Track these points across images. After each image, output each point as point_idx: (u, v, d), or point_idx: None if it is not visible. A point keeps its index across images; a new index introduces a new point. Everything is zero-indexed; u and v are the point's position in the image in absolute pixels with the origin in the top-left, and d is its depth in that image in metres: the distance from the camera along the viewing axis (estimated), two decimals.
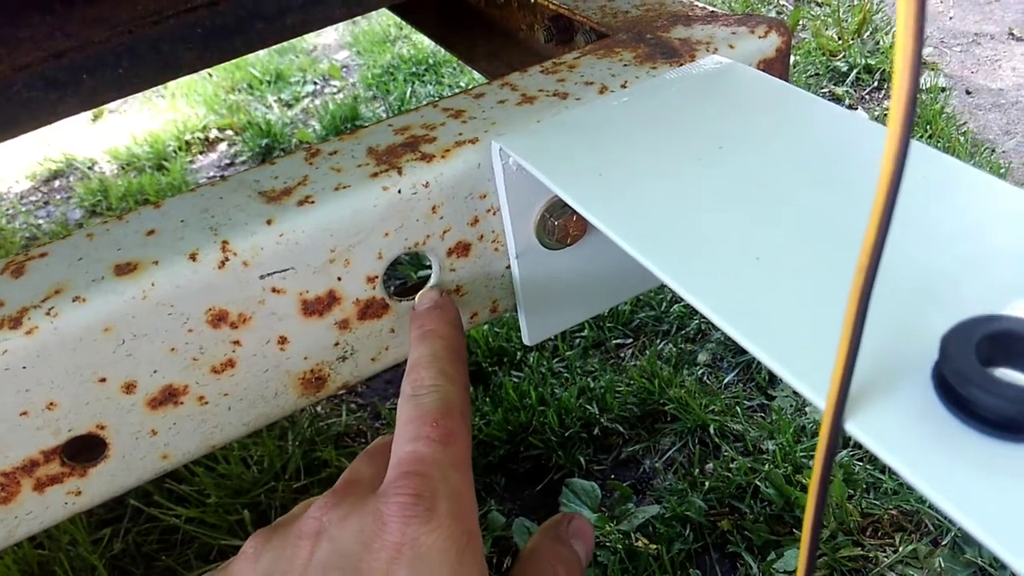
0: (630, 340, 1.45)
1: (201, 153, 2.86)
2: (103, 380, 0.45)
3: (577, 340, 1.46)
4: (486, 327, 1.50)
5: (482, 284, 0.58)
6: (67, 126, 3.17)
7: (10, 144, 3.01)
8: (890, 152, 0.23)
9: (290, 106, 3.02)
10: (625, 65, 0.60)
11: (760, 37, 0.62)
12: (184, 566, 1.18)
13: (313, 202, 0.49)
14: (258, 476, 1.27)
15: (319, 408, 1.49)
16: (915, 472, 0.26)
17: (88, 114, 3.30)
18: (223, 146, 2.87)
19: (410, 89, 2.81)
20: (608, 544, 1.09)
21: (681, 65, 0.59)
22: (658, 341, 1.43)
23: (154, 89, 3.39)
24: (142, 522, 1.25)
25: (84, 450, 0.47)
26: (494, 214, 0.55)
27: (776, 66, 0.63)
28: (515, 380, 1.37)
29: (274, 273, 0.48)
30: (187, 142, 2.87)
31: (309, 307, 0.51)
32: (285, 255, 0.48)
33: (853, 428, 0.28)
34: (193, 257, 0.46)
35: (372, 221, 0.50)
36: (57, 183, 2.93)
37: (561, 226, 0.55)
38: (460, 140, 0.52)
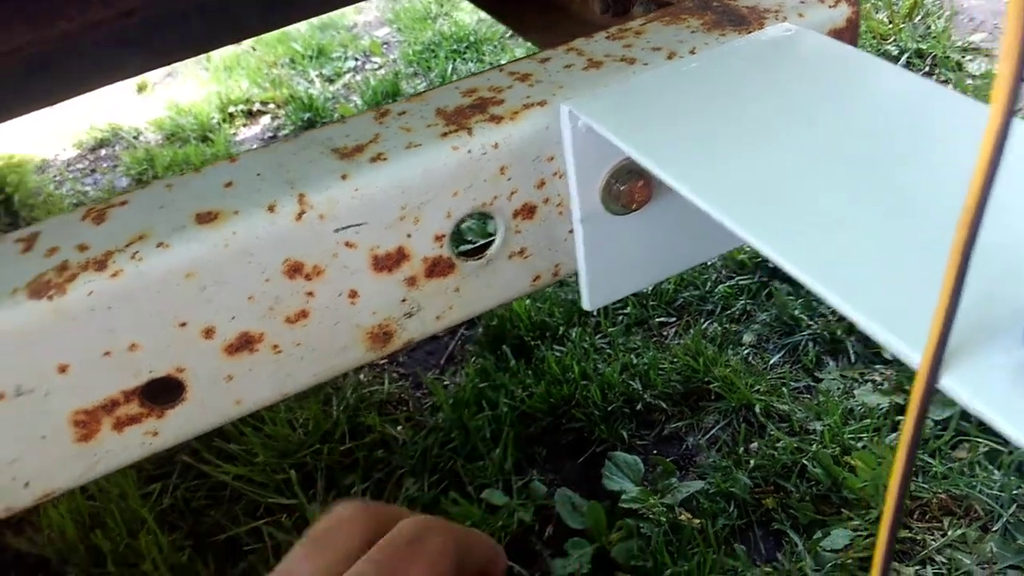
0: (673, 319, 1.45)
1: (244, 126, 2.89)
2: (183, 324, 0.46)
3: (620, 317, 1.46)
4: (528, 302, 1.50)
5: (545, 247, 0.58)
6: (112, 97, 3.22)
7: (56, 112, 3.07)
8: (997, 111, 0.23)
9: (332, 81, 3.03)
10: (692, 32, 0.59)
11: (830, 7, 0.61)
12: (232, 522, 1.21)
13: (386, 159, 0.49)
14: (304, 438, 1.29)
15: (362, 376, 1.51)
16: (1013, 427, 0.26)
17: (133, 85, 3.35)
18: (266, 119, 2.90)
19: (451, 66, 2.80)
20: (651, 517, 1.10)
21: (750, 32, 0.59)
22: (702, 320, 1.42)
23: (198, 62, 3.43)
24: (190, 478, 1.28)
25: (162, 392, 0.49)
26: (560, 177, 0.55)
27: (845, 36, 0.62)
28: (557, 354, 1.38)
29: (348, 227, 0.49)
30: (230, 114, 2.91)
31: (379, 262, 0.51)
32: (359, 210, 0.49)
33: (950, 383, 0.28)
34: (271, 208, 0.46)
35: (442, 180, 0.50)
36: (103, 152, 2.98)
37: (626, 191, 0.55)
38: (528, 102, 0.53)
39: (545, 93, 0.53)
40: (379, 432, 1.32)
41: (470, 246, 0.57)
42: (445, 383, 1.43)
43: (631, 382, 1.30)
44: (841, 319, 1.36)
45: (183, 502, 1.27)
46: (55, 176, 2.87)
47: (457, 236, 0.54)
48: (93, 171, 2.90)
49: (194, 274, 0.45)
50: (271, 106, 2.92)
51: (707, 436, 1.24)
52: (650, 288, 1.49)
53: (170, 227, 0.45)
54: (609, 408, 1.27)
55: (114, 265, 0.43)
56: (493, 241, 0.56)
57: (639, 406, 1.28)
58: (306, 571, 0.35)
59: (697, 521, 1.07)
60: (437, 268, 0.54)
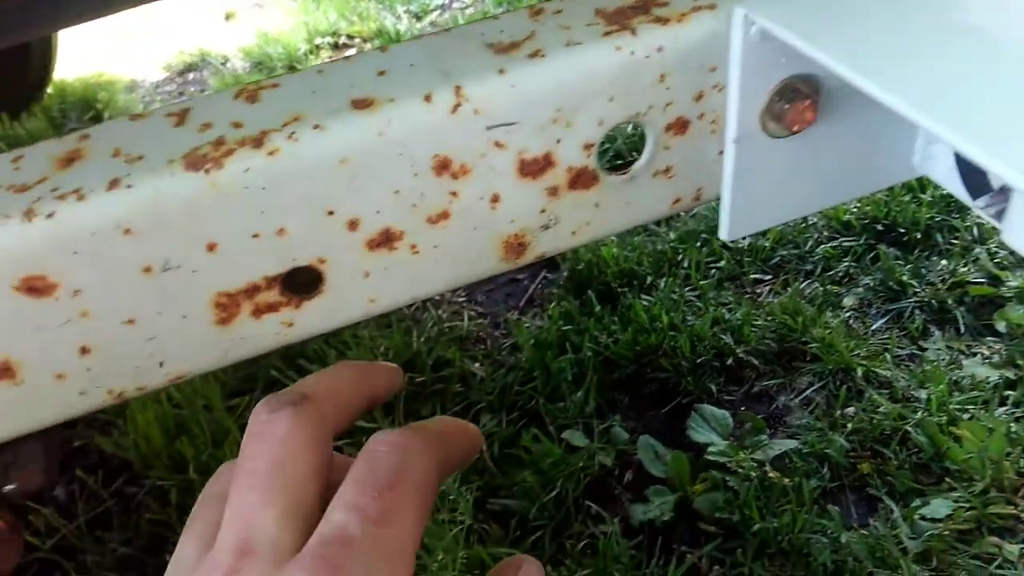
0: (769, 277, 1.40)
1: (330, 58, 2.89)
2: (331, 213, 0.45)
3: (712, 271, 1.42)
4: (615, 249, 1.47)
5: (692, 167, 0.55)
6: (199, 23, 3.25)
7: (143, 35, 3.10)
8: None
9: (419, 18, 3.01)
10: None
11: None
12: None
13: (544, 56, 0.47)
14: None
15: (441, 312, 1.50)
16: None
17: (221, 12, 3.38)
18: (351, 52, 2.89)
19: None
20: (740, 471, 1.07)
21: None
22: (800, 280, 1.37)
23: None
24: None
25: (301, 284, 0.48)
26: (719, 91, 0.52)
27: None
28: (645, 303, 1.35)
29: (500, 126, 0.47)
30: (317, 46, 2.91)
31: (526, 167, 0.49)
32: (513, 108, 0.46)
33: None
34: (428, 99, 0.44)
35: (600, 82, 0.48)
36: (191, 76, 3.02)
37: (790, 111, 0.51)
38: (698, 5, 0.49)
39: None
40: (458, 367, 1.32)
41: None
42: (525, 324, 1.42)
43: (722, 336, 1.27)
44: (951, 288, 1.30)
45: None
46: (144, 97, 2.92)
47: None
48: (181, 94, 2.94)
49: (347, 161, 0.43)
50: (357, 40, 2.91)
51: (800, 397, 1.20)
52: (745, 243, 1.44)
53: (325, 110, 0.43)
54: (698, 360, 1.24)
55: (270, 144, 0.42)
56: (626, 160, 0.53)
57: (729, 361, 1.25)
58: (269, 522, 0.30)
59: (787, 480, 1.04)
60: (581, 179, 0.51)
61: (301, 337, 0.49)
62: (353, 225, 0.46)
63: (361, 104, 0.44)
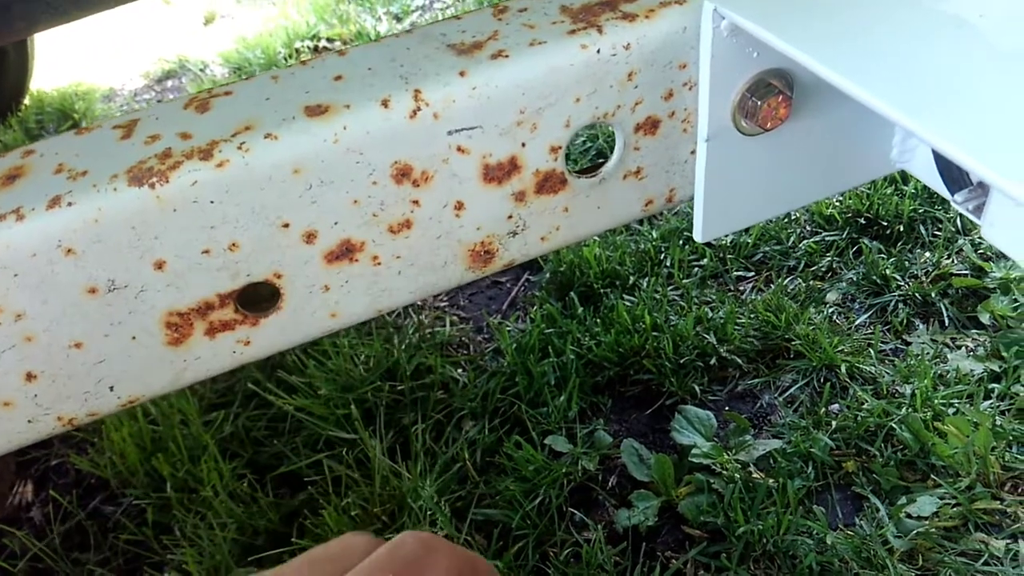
0: (752, 274, 1.39)
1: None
2: (286, 226, 0.43)
3: (695, 269, 1.41)
4: (598, 249, 1.46)
5: (663, 168, 0.54)
6: (180, 28, 3.22)
7: (122, 42, 3.06)
8: None
9: (399, 19, 2.99)
10: None
11: None
12: (292, 452, 1.20)
13: (507, 56, 0.45)
14: (365, 375, 1.28)
15: (423, 317, 1.48)
16: None
17: (200, 17, 3.34)
18: None
19: None
20: (724, 473, 1.06)
21: None
22: (783, 276, 1.36)
23: None
24: (251, 408, 1.28)
25: (257, 301, 0.46)
26: (690, 89, 0.50)
27: None
28: (628, 304, 1.33)
29: (462, 130, 0.45)
30: (296, 50, 2.88)
31: (490, 172, 0.48)
32: (475, 111, 0.45)
33: None
34: (385, 104, 0.43)
35: (566, 82, 0.46)
36: (170, 83, 2.98)
37: (762, 108, 0.50)
38: (666, 0, 0.48)
39: None
40: (440, 373, 1.30)
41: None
42: (508, 328, 1.40)
43: (705, 335, 1.25)
44: (935, 280, 1.29)
45: (244, 431, 1.26)
46: (122, 105, 2.88)
47: None
48: (159, 102, 2.90)
49: (301, 170, 0.42)
50: (337, 43, 2.89)
51: (784, 395, 1.19)
52: (728, 240, 1.43)
53: (278, 119, 0.42)
54: (681, 361, 1.23)
55: (220, 155, 0.40)
56: (607, 159, 0.52)
57: (713, 360, 1.23)
58: None
59: (772, 480, 1.03)
60: (548, 183, 0.50)
61: (260, 356, 0.47)
62: (310, 237, 0.44)
63: (315, 111, 0.42)
